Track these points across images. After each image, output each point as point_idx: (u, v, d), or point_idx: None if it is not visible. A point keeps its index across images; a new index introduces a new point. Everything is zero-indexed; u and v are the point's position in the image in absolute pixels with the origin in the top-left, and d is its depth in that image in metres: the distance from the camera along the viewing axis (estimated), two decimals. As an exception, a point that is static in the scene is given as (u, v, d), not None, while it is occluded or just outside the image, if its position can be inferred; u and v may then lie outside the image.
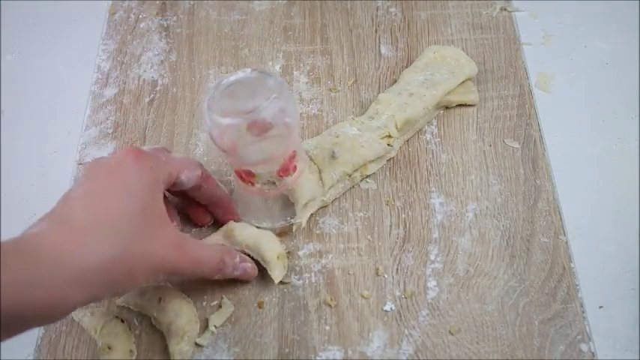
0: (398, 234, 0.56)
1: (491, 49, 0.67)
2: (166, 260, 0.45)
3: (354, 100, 0.64)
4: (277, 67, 0.67)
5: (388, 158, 0.60)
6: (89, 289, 0.41)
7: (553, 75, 0.65)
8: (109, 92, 0.66)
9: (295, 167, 0.52)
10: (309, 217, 0.56)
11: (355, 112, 0.63)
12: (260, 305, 0.53)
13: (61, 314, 0.41)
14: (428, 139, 0.61)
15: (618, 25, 0.68)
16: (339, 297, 0.53)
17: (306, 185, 0.54)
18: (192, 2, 0.72)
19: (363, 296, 0.53)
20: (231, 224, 0.55)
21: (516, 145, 0.60)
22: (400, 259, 0.55)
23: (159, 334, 0.52)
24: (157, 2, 0.72)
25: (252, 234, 0.54)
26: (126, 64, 0.68)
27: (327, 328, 0.52)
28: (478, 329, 0.51)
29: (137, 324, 0.53)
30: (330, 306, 0.53)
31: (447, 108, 0.63)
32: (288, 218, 0.55)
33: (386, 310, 0.52)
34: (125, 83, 0.66)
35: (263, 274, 0.54)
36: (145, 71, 0.67)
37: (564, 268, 0.54)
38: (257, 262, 0.53)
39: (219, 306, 0.53)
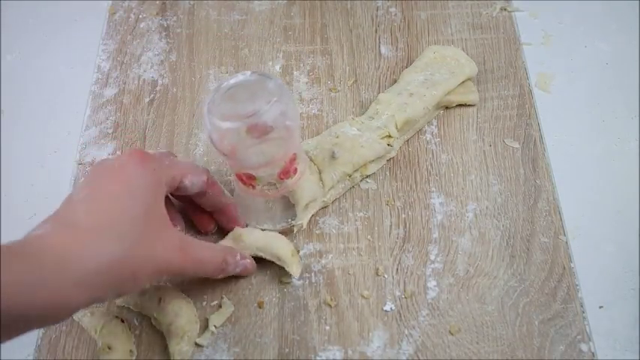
0: (398, 234, 0.56)
1: (491, 49, 0.67)
2: (169, 262, 0.45)
3: (354, 100, 0.64)
4: (277, 67, 0.67)
5: (388, 158, 0.60)
6: (92, 291, 0.41)
7: (553, 75, 0.65)
8: (109, 92, 0.66)
9: (296, 169, 0.52)
10: (310, 218, 0.56)
11: (355, 112, 0.63)
12: (260, 305, 0.53)
13: (63, 316, 0.41)
14: (428, 139, 0.61)
15: (618, 25, 0.68)
16: (339, 297, 0.53)
17: (306, 186, 0.54)
18: (192, 2, 0.72)
19: (363, 296, 0.53)
20: (238, 229, 0.54)
21: (516, 145, 0.60)
22: (400, 259, 0.55)
23: (159, 334, 0.52)
24: (157, 2, 0.72)
25: (260, 237, 0.54)
26: (126, 64, 0.68)
27: (327, 328, 0.52)
28: (478, 329, 0.51)
29: (137, 324, 0.53)
30: (330, 306, 0.53)
31: (447, 108, 0.63)
32: (289, 220, 0.55)
33: (386, 310, 0.52)
34: (125, 83, 0.66)
35: (263, 274, 0.54)
36: (145, 71, 0.67)
37: (564, 268, 0.54)
38: (259, 261, 0.54)
39: (219, 306, 0.53)
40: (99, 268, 0.41)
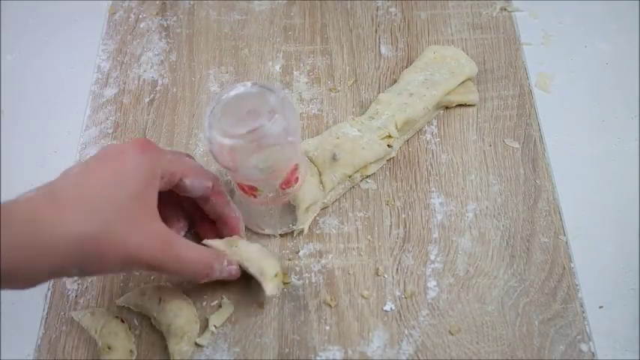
0: (398, 234, 0.56)
1: (491, 49, 0.67)
2: (144, 251, 0.45)
3: (354, 100, 0.64)
4: (277, 67, 0.67)
5: (388, 158, 0.60)
6: (56, 260, 0.42)
7: (553, 75, 0.65)
8: (109, 92, 0.66)
9: (297, 178, 0.52)
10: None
11: (355, 112, 0.63)
12: (260, 305, 0.53)
13: (29, 281, 0.42)
14: (428, 139, 0.61)
15: (618, 25, 0.68)
16: (339, 297, 0.53)
17: (307, 189, 0.54)
18: (192, 2, 0.72)
19: (363, 296, 0.53)
20: (236, 237, 0.53)
21: (516, 145, 0.60)
22: (400, 259, 0.55)
23: (159, 334, 0.52)
24: (157, 2, 0.72)
25: (254, 250, 0.52)
26: (126, 64, 0.68)
27: (327, 328, 0.52)
28: (478, 329, 0.51)
29: (137, 324, 0.53)
30: (330, 306, 0.53)
31: (447, 108, 0.63)
32: (290, 225, 0.55)
33: (386, 310, 0.52)
34: (125, 83, 0.66)
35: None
36: (145, 71, 0.67)
37: (564, 268, 0.54)
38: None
39: (219, 306, 0.53)
40: (67, 240, 0.41)
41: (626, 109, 0.63)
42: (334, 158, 0.56)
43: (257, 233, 0.56)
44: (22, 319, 0.54)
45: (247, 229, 0.56)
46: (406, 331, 0.51)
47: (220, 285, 0.53)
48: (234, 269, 0.51)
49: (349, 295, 0.53)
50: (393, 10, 0.70)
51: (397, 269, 0.54)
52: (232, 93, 0.49)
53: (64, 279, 0.55)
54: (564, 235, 0.56)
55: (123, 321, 0.52)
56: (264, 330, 0.52)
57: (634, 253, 0.55)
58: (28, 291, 0.54)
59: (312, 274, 0.54)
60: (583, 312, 0.52)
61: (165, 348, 0.51)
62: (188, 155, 0.54)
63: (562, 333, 0.51)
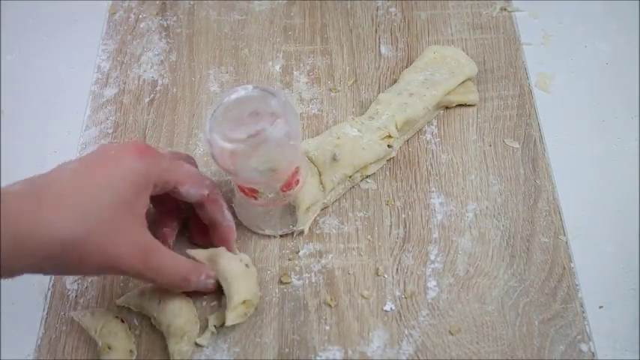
0: (398, 234, 0.56)
1: (491, 49, 0.67)
2: (123, 260, 0.45)
3: (354, 100, 0.64)
4: (277, 67, 0.67)
5: (388, 158, 0.60)
6: (32, 258, 0.41)
7: (553, 75, 0.65)
8: (109, 92, 0.66)
9: (298, 180, 0.52)
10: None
11: (355, 112, 0.63)
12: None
13: (5, 273, 0.42)
14: (428, 139, 0.61)
15: (618, 25, 0.68)
16: (339, 297, 0.53)
17: (307, 190, 0.54)
18: (192, 2, 0.72)
19: (363, 296, 0.53)
20: (220, 252, 0.52)
21: (516, 145, 0.60)
22: (400, 259, 0.55)
23: (159, 334, 0.52)
24: (157, 2, 0.72)
25: (233, 271, 0.51)
26: (126, 64, 0.68)
27: (327, 328, 0.52)
28: (478, 329, 0.51)
29: (137, 324, 0.53)
30: (330, 306, 0.53)
31: (447, 108, 0.63)
32: (291, 226, 0.55)
33: (386, 310, 0.52)
34: (125, 83, 0.66)
35: (263, 274, 0.54)
36: (145, 71, 0.67)
37: (564, 268, 0.54)
38: (259, 261, 0.53)
39: (220, 306, 0.53)
40: (46, 241, 0.41)
41: (626, 109, 0.63)
42: (334, 158, 0.56)
43: (257, 234, 0.56)
44: (22, 319, 0.54)
45: (248, 229, 0.56)
46: (406, 331, 0.51)
47: (220, 285, 0.53)
48: (210, 284, 0.51)
49: (349, 295, 0.53)
50: (393, 10, 0.70)
51: (397, 269, 0.54)
52: (233, 96, 0.49)
53: (64, 279, 0.55)
54: (564, 235, 0.56)
55: (123, 321, 0.52)
56: (264, 330, 0.52)
57: (634, 253, 0.55)
58: (28, 291, 0.55)
59: (312, 274, 0.54)
60: (583, 312, 0.52)
61: (165, 348, 0.51)
62: (189, 158, 0.54)
63: (562, 333, 0.51)
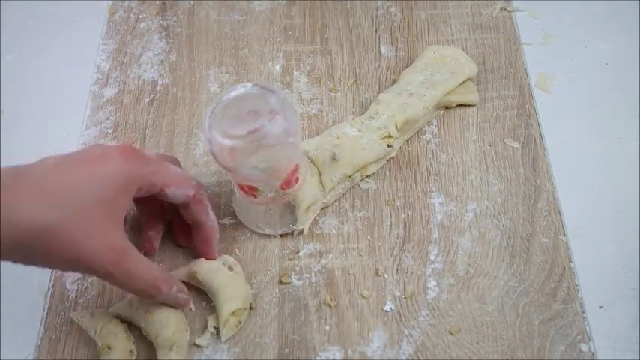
0: (398, 234, 0.56)
1: (491, 49, 0.67)
2: (94, 259, 0.44)
3: (354, 100, 0.64)
4: (277, 67, 0.67)
5: (388, 158, 0.60)
6: (4, 246, 0.41)
7: (553, 75, 0.65)
8: (109, 92, 0.66)
9: (297, 179, 0.52)
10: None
11: (355, 112, 0.63)
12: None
13: None
14: (428, 139, 0.61)
15: (618, 25, 0.68)
16: (339, 297, 0.53)
17: (307, 189, 0.54)
18: (192, 2, 0.72)
19: (363, 296, 0.53)
20: (197, 263, 0.52)
21: (516, 145, 0.60)
22: (400, 259, 0.55)
23: (159, 334, 0.52)
24: (157, 2, 0.72)
25: (216, 281, 0.51)
26: (126, 64, 0.68)
27: (327, 328, 0.52)
28: (478, 329, 0.51)
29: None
30: (330, 306, 0.53)
31: (447, 108, 0.63)
32: (290, 225, 0.55)
33: (386, 310, 0.52)
34: (125, 83, 0.66)
35: (263, 274, 0.54)
36: (145, 71, 0.67)
37: (564, 268, 0.54)
38: (260, 261, 0.53)
39: (219, 306, 0.53)
40: (16, 227, 0.41)
41: (626, 109, 0.63)
42: (334, 158, 0.56)
43: (257, 233, 0.56)
44: (22, 319, 0.54)
45: (247, 229, 0.56)
46: (406, 331, 0.51)
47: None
48: (182, 298, 0.50)
49: (349, 295, 0.53)
50: (393, 10, 0.70)
51: (397, 269, 0.54)
52: (233, 94, 0.49)
53: (65, 279, 0.55)
54: (564, 235, 0.56)
55: (123, 321, 0.52)
56: (264, 330, 0.52)
57: (634, 253, 0.55)
58: (28, 291, 0.55)
59: (312, 274, 0.54)
60: (583, 312, 0.52)
61: (166, 348, 0.51)
62: (175, 159, 0.54)
63: (562, 333, 0.51)
